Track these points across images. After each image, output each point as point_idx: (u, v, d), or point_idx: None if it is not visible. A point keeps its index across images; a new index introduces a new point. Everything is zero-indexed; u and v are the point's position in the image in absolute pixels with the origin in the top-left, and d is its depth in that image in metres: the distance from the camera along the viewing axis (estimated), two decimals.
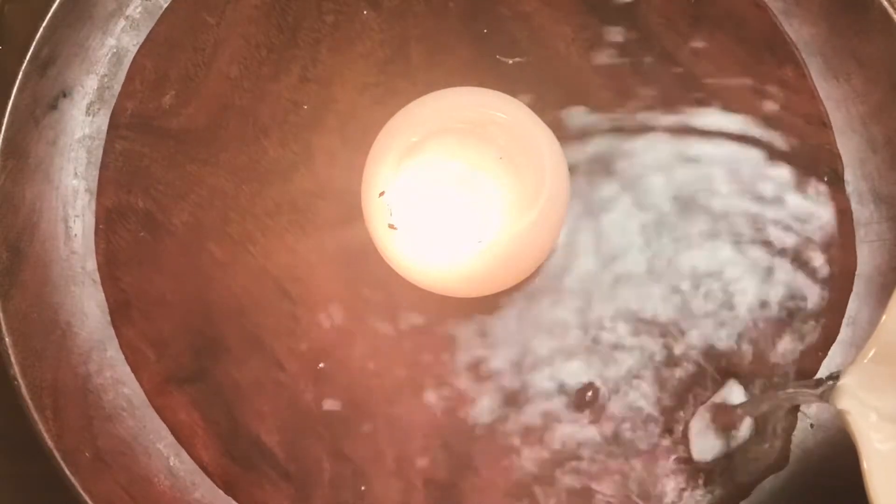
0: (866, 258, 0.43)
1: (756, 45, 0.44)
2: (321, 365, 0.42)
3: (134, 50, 0.44)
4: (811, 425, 0.42)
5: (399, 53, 0.44)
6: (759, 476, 0.41)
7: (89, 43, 0.44)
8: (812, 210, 0.43)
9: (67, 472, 0.40)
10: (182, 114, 0.44)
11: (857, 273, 0.43)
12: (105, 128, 0.44)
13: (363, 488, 0.41)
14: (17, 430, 0.41)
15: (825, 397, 0.36)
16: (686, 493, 0.41)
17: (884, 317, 0.35)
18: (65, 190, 0.44)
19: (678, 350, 0.42)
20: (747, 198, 0.43)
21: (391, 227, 0.40)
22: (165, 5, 0.45)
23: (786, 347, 0.42)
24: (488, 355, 0.42)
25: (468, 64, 0.44)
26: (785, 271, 0.43)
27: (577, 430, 0.42)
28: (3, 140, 0.42)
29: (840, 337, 0.43)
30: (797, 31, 0.44)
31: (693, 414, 0.42)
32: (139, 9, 0.45)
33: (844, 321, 0.43)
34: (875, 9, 0.43)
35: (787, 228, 0.43)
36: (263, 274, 0.43)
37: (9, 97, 0.42)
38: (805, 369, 0.42)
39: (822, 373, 0.42)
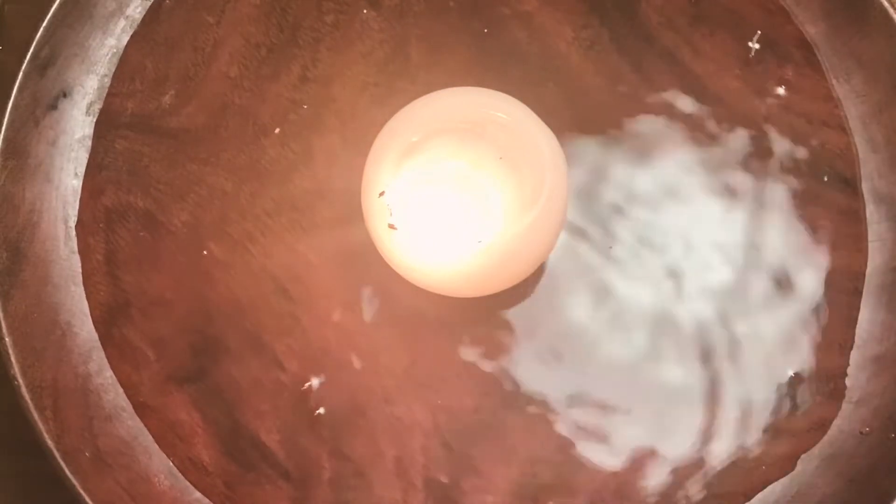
0: (866, 258, 0.43)
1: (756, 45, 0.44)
2: (320, 411, 0.42)
3: (134, 50, 0.44)
4: (860, 432, 0.42)
5: (399, 53, 0.44)
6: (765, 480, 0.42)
7: (89, 43, 0.44)
8: (814, 209, 0.43)
9: (67, 472, 0.40)
10: (182, 113, 0.44)
11: (857, 272, 0.43)
12: (105, 127, 0.44)
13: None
14: (17, 430, 0.41)
15: None
16: (690, 494, 0.42)
17: None
18: (65, 190, 0.44)
19: (679, 348, 0.42)
20: (748, 197, 0.43)
21: (391, 227, 0.40)
22: (165, 5, 0.45)
23: (786, 346, 0.42)
24: (488, 355, 0.42)
25: (468, 64, 0.44)
26: (785, 270, 0.43)
27: (579, 429, 0.42)
28: (3, 140, 0.42)
29: (840, 337, 0.43)
30: (797, 31, 0.44)
31: (697, 412, 0.42)
32: (139, 9, 0.45)
33: (845, 321, 0.43)
34: (875, 9, 0.43)
35: (787, 228, 0.43)
36: (263, 274, 0.43)
37: (9, 97, 0.42)
38: (804, 369, 0.42)
39: (822, 373, 0.42)
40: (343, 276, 0.43)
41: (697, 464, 0.42)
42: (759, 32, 0.44)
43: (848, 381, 0.42)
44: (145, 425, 0.42)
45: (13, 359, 0.41)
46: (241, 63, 0.44)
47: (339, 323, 0.43)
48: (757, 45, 0.44)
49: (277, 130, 0.44)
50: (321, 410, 0.42)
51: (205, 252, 0.43)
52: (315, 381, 0.42)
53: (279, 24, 0.45)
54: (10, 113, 0.42)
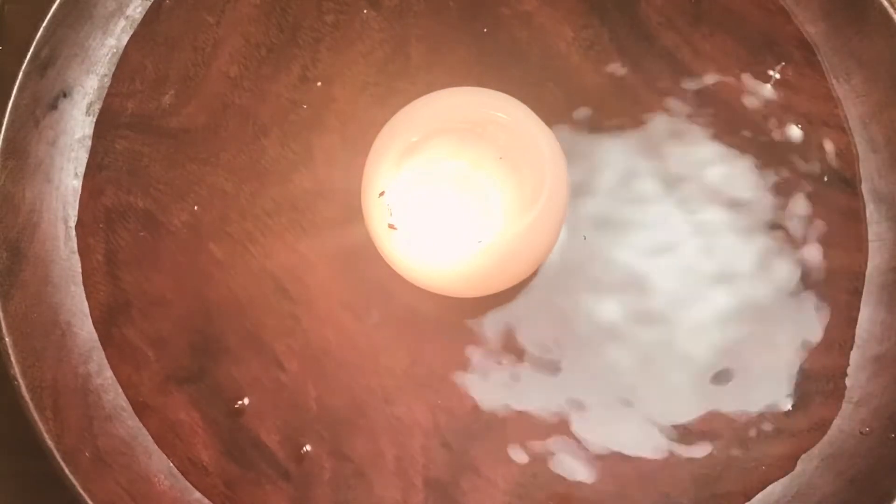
0: (866, 258, 0.43)
1: (756, 45, 0.44)
2: (307, 448, 0.42)
3: (134, 50, 0.44)
4: (860, 432, 0.42)
5: (399, 53, 0.44)
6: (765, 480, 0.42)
7: (89, 43, 0.44)
8: (813, 209, 0.43)
9: (67, 472, 0.40)
10: (182, 113, 0.44)
11: (857, 272, 0.43)
12: (105, 127, 0.44)
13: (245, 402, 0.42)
14: (17, 430, 0.41)
15: None
16: (690, 494, 0.42)
17: None
18: (65, 190, 0.44)
19: (677, 350, 0.42)
20: (748, 197, 0.43)
21: (391, 227, 0.40)
22: (165, 5, 0.45)
23: (786, 347, 0.42)
24: (488, 355, 0.42)
25: (468, 64, 0.44)
26: (785, 270, 0.43)
27: (578, 429, 0.42)
28: (3, 140, 0.42)
29: (840, 337, 0.43)
30: (797, 31, 0.44)
31: (698, 412, 0.42)
32: (139, 9, 0.45)
33: (845, 321, 0.43)
34: (875, 9, 0.43)
35: (787, 227, 0.43)
36: (263, 274, 0.43)
37: (9, 97, 0.42)
38: (804, 369, 0.42)
39: (822, 373, 0.42)
40: (343, 276, 0.43)
41: (698, 464, 0.42)
42: (783, 63, 0.44)
43: (848, 381, 0.42)
44: (145, 425, 0.42)
45: (13, 359, 0.41)
46: (241, 63, 0.44)
47: (339, 323, 0.43)
48: (778, 75, 0.44)
49: (319, 83, 0.44)
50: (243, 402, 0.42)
51: (196, 200, 0.43)
52: (246, 401, 0.42)
53: (279, 24, 0.45)
54: (10, 113, 0.42)
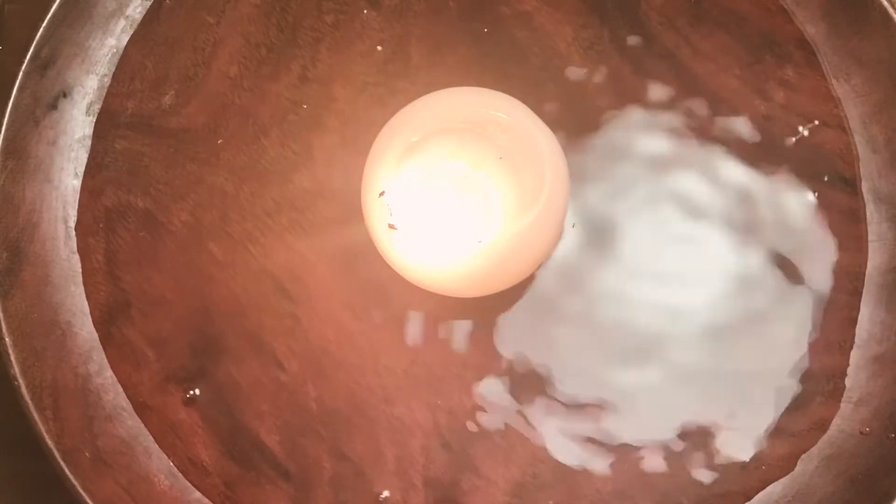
0: (866, 258, 0.43)
1: (756, 45, 0.44)
2: (384, 494, 0.42)
3: (134, 50, 0.44)
4: (860, 432, 0.42)
5: (399, 53, 0.44)
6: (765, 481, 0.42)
7: (89, 43, 0.44)
8: (813, 210, 0.43)
9: (67, 472, 0.40)
10: (182, 113, 0.44)
11: (857, 272, 0.43)
12: (105, 127, 0.44)
13: (385, 495, 0.41)
14: (17, 430, 0.41)
15: None
16: (690, 494, 0.42)
17: None
18: (65, 190, 0.44)
19: (676, 350, 0.42)
20: (748, 198, 0.43)
21: (391, 227, 0.40)
22: (166, 5, 0.45)
23: (786, 346, 0.42)
24: (488, 355, 0.42)
25: (468, 63, 0.44)
26: (785, 270, 0.43)
27: (579, 429, 0.42)
28: (3, 140, 0.42)
29: (840, 337, 0.43)
30: (797, 31, 0.44)
31: (698, 412, 0.42)
32: (139, 9, 0.45)
33: (845, 321, 0.43)
34: (875, 9, 0.43)
35: (787, 228, 0.43)
36: (263, 274, 0.43)
37: (9, 97, 0.42)
38: (804, 369, 0.42)
39: (822, 373, 0.42)
40: (343, 276, 0.43)
41: (697, 464, 0.42)
42: (816, 122, 0.44)
43: (848, 381, 0.42)
44: (145, 425, 0.42)
45: (13, 359, 0.41)
46: (241, 63, 0.44)
47: (339, 323, 0.43)
48: (806, 132, 0.44)
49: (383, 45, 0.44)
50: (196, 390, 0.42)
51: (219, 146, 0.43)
52: (197, 391, 0.42)
53: (279, 24, 0.45)
54: (10, 113, 0.42)
